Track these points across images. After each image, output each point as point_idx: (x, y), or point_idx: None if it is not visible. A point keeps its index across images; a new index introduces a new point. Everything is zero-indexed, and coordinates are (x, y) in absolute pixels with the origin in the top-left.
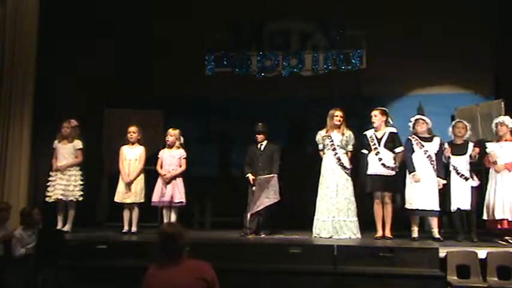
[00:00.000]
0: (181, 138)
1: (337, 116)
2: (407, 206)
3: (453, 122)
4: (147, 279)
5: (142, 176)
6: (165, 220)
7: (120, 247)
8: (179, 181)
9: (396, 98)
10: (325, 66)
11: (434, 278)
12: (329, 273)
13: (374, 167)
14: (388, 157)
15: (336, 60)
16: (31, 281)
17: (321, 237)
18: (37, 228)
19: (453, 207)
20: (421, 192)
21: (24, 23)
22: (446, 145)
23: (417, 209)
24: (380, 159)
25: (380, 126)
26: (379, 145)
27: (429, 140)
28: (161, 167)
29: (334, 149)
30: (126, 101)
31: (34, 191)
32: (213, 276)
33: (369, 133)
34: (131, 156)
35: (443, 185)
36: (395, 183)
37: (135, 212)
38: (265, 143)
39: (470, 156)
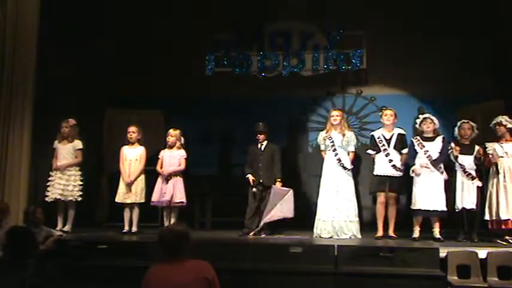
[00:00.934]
0: (182, 139)
1: (333, 115)
2: (413, 206)
3: (459, 123)
4: (147, 277)
5: (142, 176)
6: (165, 220)
7: (120, 247)
8: (179, 181)
9: (396, 98)
10: (325, 66)
11: (434, 278)
12: (329, 273)
13: (383, 168)
14: (397, 158)
15: (337, 60)
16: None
17: (321, 237)
18: (40, 227)
19: (458, 207)
20: (425, 193)
21: (25, 23)
22: (452, 144)
23: (420, 209)
24: (391, 161)
25: (390, 127)
26: (388, 146)
27: (432, 139)
28: (161, 167)
29: (334, 150)
30: (126, 101)
31: (34, 191)
32: (214, 276)
33: (377, 134)
34: (132, 157)
35: (445, 182)
36: (400, 184)
37: (136, 212)
38: (265, 143)
39: (475, 157)
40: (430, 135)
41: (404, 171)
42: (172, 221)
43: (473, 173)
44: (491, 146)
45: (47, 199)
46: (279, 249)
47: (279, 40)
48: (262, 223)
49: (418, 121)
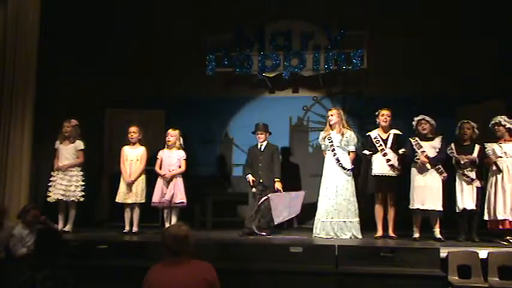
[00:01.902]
0: (181, 139)
1: (329, 115)
2: (411, 206)
3: (459, 123)
4: (148, 277)
5: (143, 177)
6: (166, 220)
7: (121, 247)
8: (179, 181)
9: (396, 98)
10: (326, 66)
11: (435, 278)
12: (330, 273)
13: (380, 168)
14: (394, 158)
15: (337, 60)
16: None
17: (320, 237)
18: (35, 227)
19: (459, 208)
20: (423, 193)
21: (25, 23)
22: (452, 145)
23: (418, 209)
24: (388, 160)
25: (387, 128)
26: (385, 146)
27: (430, 139)
28: (160, 168)
29: (333, 150)
30: (126, 101)
31: (35, 192)
32: (215, 278)
33: (373, 134)
34: (132, 157)
35: (445, 182)
36: (399, 184)
37: (136, 212)
38: (265, 143)
39: (473, 159)
40: (429, 135)
41: (402, 171)
42: (173, 221)
43: (472, 175)
44: (490, 147)
45: (48, 199)
46: (279, 249)
47: (279, 40)
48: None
49: (414, 123)
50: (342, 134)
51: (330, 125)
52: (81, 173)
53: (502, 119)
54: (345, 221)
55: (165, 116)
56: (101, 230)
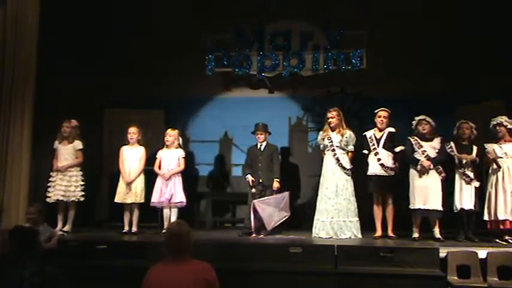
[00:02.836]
0: (180, 139)
1: (328, 117)
2: (411, 206)
3: (458, 123)
4: (148, 277)
5: (142, 177)
6: (165, 220)
7: (120, 247)
8: (179, 181)
9: (395, 98)
10: (325, 66)
11: (434, 278)
12: (329, 273)
13: (373, 168)
14: (387, 157)
15: (337, 60)
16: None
17: (320, 237)
18: (40, 225)
19: (457, 208)
20: (424, 193)
21: (25, 23)
22: (452, 144)
23: (419, 209)
24: (379, 160)
25: (384, 127)
26: (378, 146)
27: (430, 139)
28: (159, 167)
29: (333, 150)
30: (126, 101)
31: (35, 191)
32: (215, 278)
33: (369, 134)
34: (132, 157)
35: (443, 181)
36: (396, 184)
37: (136, 212)
38: (265, 143)
39: (473, 160)
40: (428, 136)
41: (401, 170)
42: (173, 220)
43: (471, 174)
44: (490, 147)
45: (48, 200)
46: (279, 249)
47: (279, 40)
48: (268, 230)
49: (414, 122)
50: (342, 135)
51: (330, 126)
52: (81, 173)
53: (504, 119)
54: (345, 221)
55: (164, 115)
56: (100, 230)
